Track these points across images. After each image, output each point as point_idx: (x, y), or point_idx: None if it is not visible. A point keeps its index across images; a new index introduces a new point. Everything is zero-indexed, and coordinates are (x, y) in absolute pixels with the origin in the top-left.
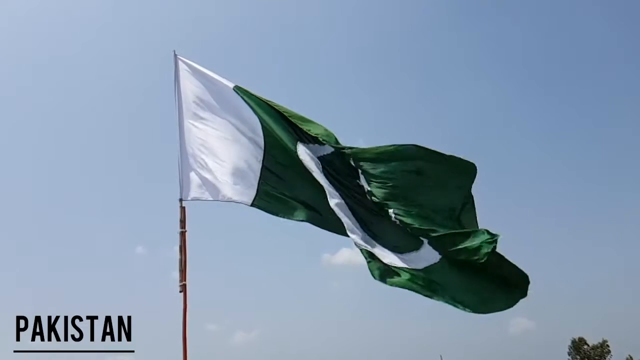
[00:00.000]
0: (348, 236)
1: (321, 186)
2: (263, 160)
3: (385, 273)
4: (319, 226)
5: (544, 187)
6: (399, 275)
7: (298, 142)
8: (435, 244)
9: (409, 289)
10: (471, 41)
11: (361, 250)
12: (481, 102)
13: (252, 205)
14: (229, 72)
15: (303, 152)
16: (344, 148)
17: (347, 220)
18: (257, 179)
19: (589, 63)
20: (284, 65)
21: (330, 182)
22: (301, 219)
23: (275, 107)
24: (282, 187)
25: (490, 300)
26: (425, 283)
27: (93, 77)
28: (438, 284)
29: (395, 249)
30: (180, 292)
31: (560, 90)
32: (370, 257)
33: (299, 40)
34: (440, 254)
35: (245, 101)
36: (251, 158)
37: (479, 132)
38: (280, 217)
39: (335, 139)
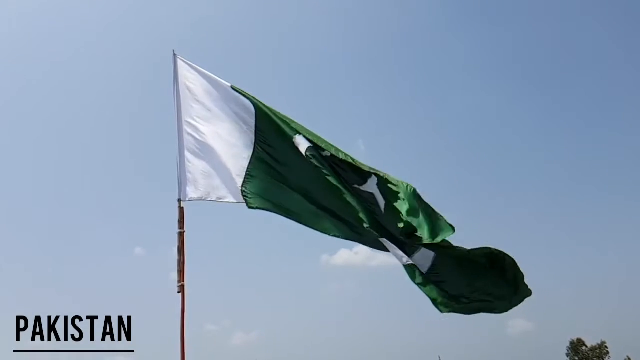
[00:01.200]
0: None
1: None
2: (250, 159)
3: (445, 303)
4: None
5: (542, 189)
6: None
7: (295, 135)
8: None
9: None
10: (468, 43)
11: (406, 266)
12: (479, 104)
13: (247, 205)
14: (227, 74)
15: (300, 142)
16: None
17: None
18: (243, 177)
19: (584, 65)
20: (283, 68)
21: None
22: (293, 217)
23: (276, 113)
24: (274, 186)
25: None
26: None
27: (92, 78)
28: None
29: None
30: (179, 292)
31: (555, 91)
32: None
33: (297, 43)
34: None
35: (244, 96)
36: (244, 157)
37: (477, 134)
38: (276, 213)
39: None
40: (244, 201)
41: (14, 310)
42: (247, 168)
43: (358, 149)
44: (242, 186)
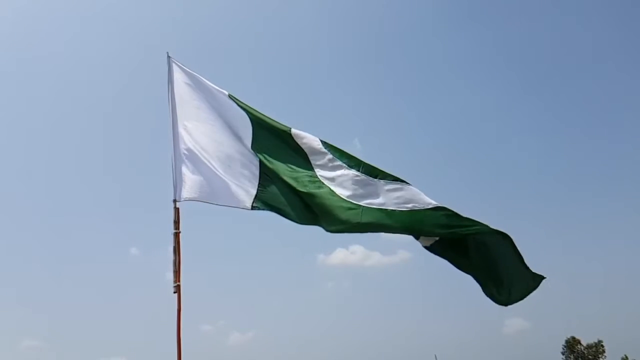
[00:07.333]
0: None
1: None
2: (260, 165)
3: None
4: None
5: (536, 188)
6: None
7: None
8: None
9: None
10: (464, 43)
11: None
12: (473, 103)
13: (252, 208)
14: (222, 77)
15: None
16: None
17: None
18: (257, 180)
19: (575, 64)
20: (279, 68)
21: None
22: (297, 220)
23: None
24: (276, 190)
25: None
26: None
27: (88, 79)
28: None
29: None
30: (175, 292)
31: (547, 91)
32: None
33: (293, 44)
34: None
35: (238, 105)
36: (245, 161)
37: (471, 134)
38: (282, 215)
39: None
40: (240, 205)
41: (14, 310)
42: (259, 174)
43: (354, 148)
44: (256, 194)
